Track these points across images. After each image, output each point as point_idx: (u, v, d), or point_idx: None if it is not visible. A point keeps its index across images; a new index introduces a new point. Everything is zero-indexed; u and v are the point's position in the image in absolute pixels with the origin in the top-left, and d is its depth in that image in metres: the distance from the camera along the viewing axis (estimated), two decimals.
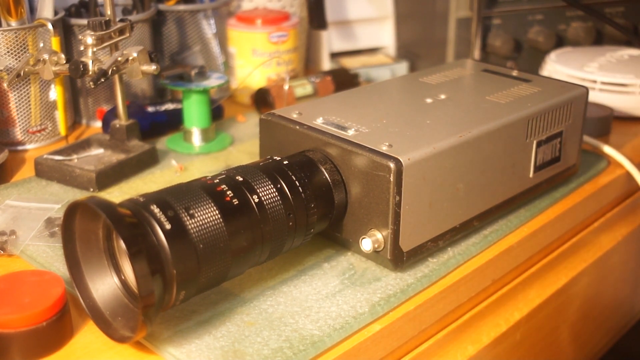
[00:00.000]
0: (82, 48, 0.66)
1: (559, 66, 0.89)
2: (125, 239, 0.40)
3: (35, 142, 0.77)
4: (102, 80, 0.63)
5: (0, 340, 0.44)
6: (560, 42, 1.02)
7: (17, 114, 0.75)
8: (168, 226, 0.42)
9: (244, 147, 0.77)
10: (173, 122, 0.79)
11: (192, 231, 0.43)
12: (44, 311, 0.44)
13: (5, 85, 0.73)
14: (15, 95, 0.74)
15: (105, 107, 0.82)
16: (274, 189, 0.49)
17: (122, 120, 0.71)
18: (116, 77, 0.69)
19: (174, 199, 0.44)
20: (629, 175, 0.74)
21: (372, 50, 1.10)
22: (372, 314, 0.49)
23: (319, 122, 0.56)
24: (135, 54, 0.65)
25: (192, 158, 0.74)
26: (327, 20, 0.98)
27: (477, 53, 0.97)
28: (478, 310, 0.59)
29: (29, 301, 0.44)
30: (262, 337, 0.46)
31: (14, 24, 0.72)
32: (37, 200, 0.63)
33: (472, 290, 0.57)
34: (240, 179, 0.48)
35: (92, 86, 0.63)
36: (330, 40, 1.06)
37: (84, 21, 0.78)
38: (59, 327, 0.45)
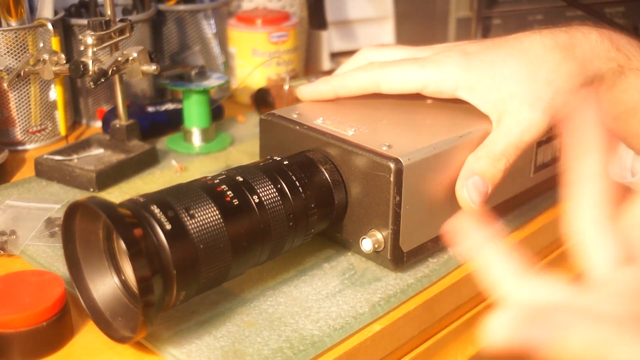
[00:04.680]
0: (82, 48, 0.66)
1: None
2: (125, 239, 0.40)
3: (35, 142, 0.77)
4: (102, 80, 0.63)
5: (0, 340, 0.44)
6: None
7: (17, 114, 0.75)
8: (168, 226, 0.42)
9: (244, 147, 0.77)
10: (173, 122, 0.79)
11: (192, 231, 0.43)
12: (44, 311, 0.44)
13: (5, 85, 0.73)
14: (15, 95, 0.74)
15: (105, 107, 0.82)
16: (274, 189, 0.49)
17: (122, 120, 0.71)
18: (116, 77, 0.69)
19: (174, 199, 0.44)
20: None
21: None
22: (372, 314, 0.49)
23: (319, 122, 0.56)
24: (135, 54, 0.65)
25: (192, 158, 0.74)
26: (327, 20, 0.98)
27: None
28: (478, 310, 0.59)
29: (29, 301, 0.44)
30: (262, 337, 0.46)
31: (14, 24, 0.72)
32: (37, 200, 0.63)
33: (472, 290, 0.57)
34: (241, 179, 0.48)
35: (92, 86, 0.63)
36: (330, 40, 1.06)
37: (84, 21, 0.78)
38: (59, 327, 0.45)
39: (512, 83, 0.53)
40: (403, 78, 0.56)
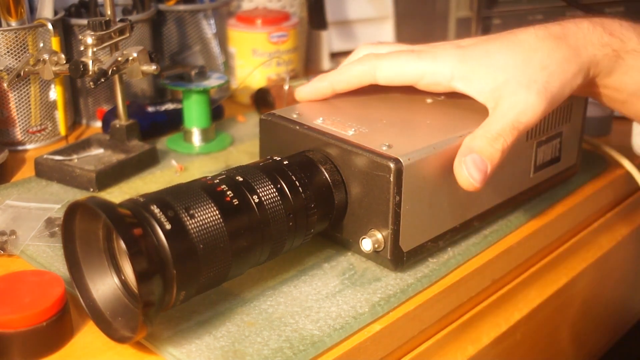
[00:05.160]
0: (82, 48, 0.66)
1: None
2: (125, 239, 0.40)
3: (35, 142, 0.77)
4: (102, 80, 0.63)
5: (0, 340, 0.44)
6: None
7: (17, 114, 0.75)
8: (168, 226, 0.42)
9: (244, 147, 0.77)
10: (173, 122, 0.79)
11: (192, 231, 0.43)
12: (44, 311, 0.44)
13: (5, 85, 0.73)
14: (15, 95, 0.74)
15: (105, 107, 0.82)
16: (274, 189, 0.49)
17: (122, 120, 0.71)
18: (116, 77, 0.69)
19: (174, 199, 0.44)
20: (629, 175, 0.74)
21: None
22: (372, 314, 0.49)
23: (319, 122, 0.56)
24: (135, 54, 0.65)
25: (192, 158, 0.74)
26: (327, 20, 0.98)
27: None
28: (478, 310, 0.59)
29: (29, 301, 0.44)
30: (262, 337, 0.46)
31: (14, 24, 0.72)
32: (37, 200, 0.63)
33: (472, 290, 0.57)
34: (240, 179, 0.48)
35: (92, 86, 0.63)
36: (330, 40, 1.06)
37: (84, 21, 0.78)
38: (59, 327, 0.45)
39: (506, 70, 0.53)
40: (399, 68, 0.56)
